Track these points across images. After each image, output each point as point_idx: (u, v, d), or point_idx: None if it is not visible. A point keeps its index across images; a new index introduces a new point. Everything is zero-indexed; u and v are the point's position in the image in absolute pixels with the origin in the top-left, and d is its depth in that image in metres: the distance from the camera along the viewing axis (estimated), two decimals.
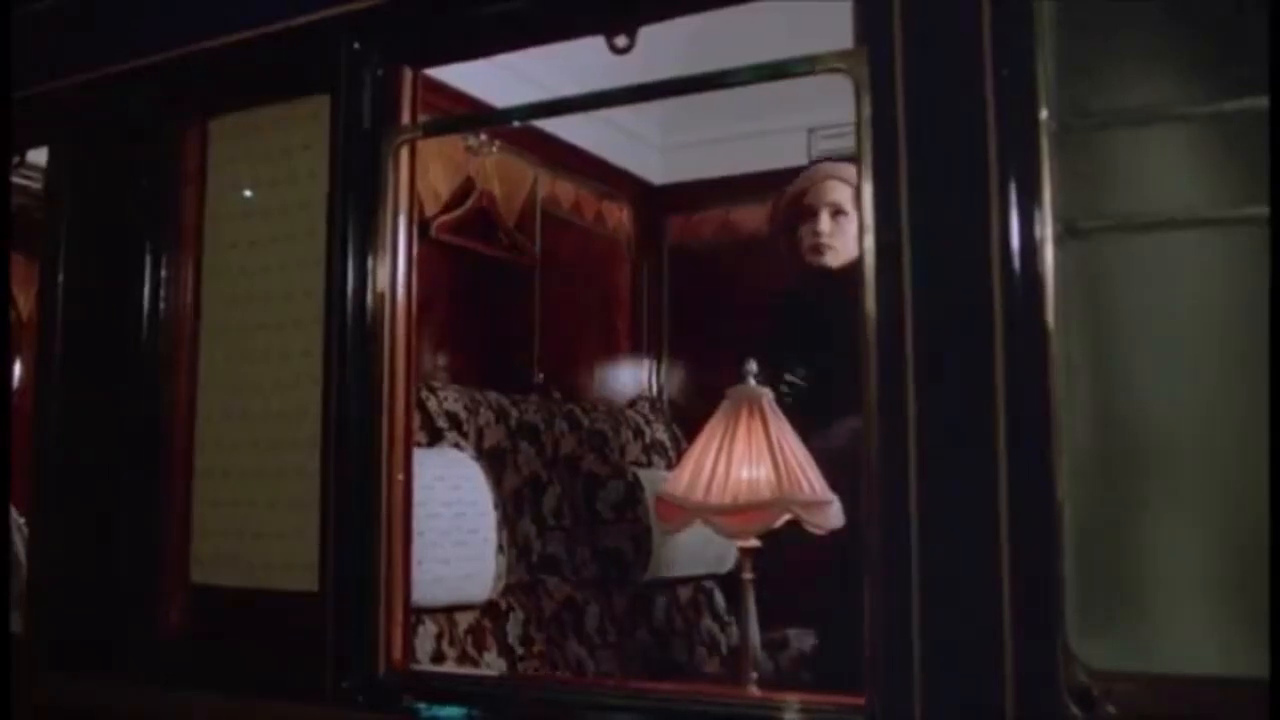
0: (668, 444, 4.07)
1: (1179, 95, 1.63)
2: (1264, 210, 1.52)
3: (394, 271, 2.20)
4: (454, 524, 3.00)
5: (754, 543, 2.54)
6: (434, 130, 2.20)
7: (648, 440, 4.00)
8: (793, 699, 1.84)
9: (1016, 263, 1.64)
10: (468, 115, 2.24)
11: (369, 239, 2.20)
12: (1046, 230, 1.63)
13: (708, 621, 3.90)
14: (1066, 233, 1.64)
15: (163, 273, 2.43)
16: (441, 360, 3.59)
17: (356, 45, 2.22)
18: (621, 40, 2.05)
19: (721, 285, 4.27)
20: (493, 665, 3.11)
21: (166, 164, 2.46)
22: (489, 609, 3.18)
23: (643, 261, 4.49)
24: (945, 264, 1.70)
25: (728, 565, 3.70)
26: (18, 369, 3.16)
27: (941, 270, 1.70)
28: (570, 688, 2.20)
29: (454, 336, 3.61)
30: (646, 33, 2.05)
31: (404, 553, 2.18)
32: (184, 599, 2.37)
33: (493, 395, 3.50)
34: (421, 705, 2.10)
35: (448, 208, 3.60)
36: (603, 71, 2.07)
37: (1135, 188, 1.64)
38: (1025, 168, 1.65)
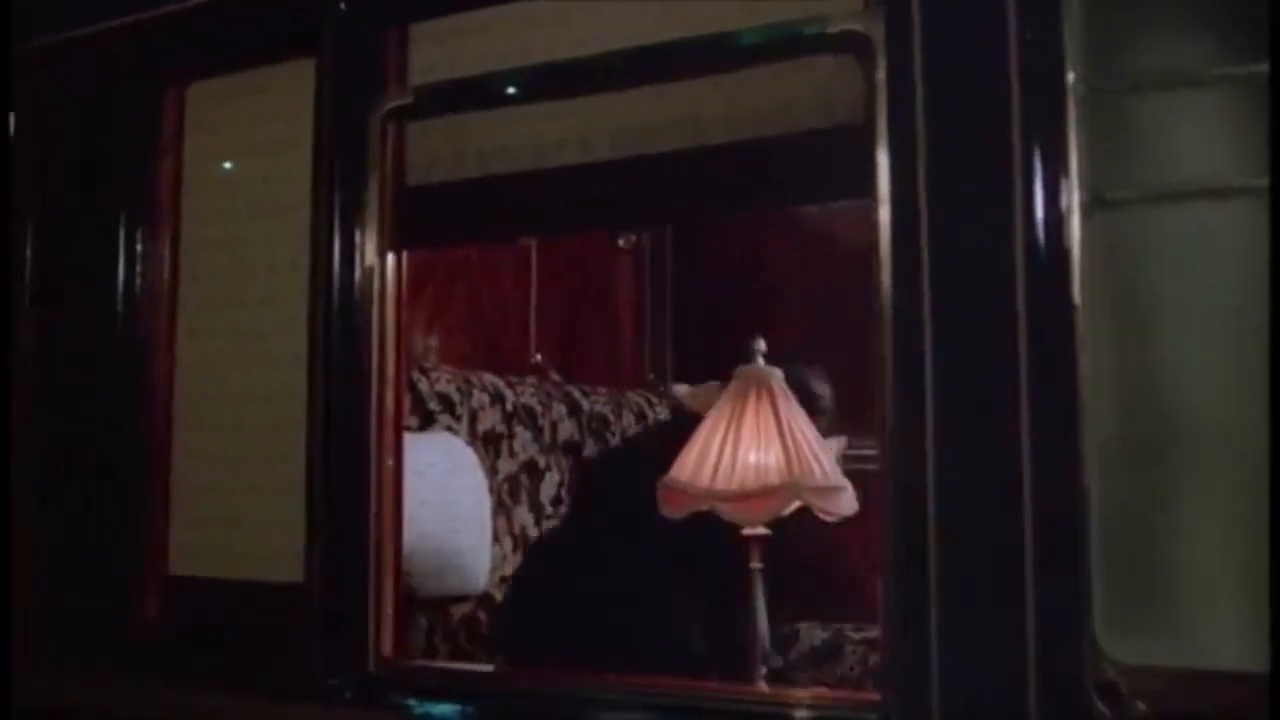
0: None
1: (1214, 57, 1.62)
2: None
3: (383, 245, 2.19)
4: (447, 512, 3.00)
5: (762, 530, 2.53)
6: (426, 101, 2.19)
7: (651, 424, 3.98)
8: (803, 695, 1.84)
9: (1041, 236, 1.63)
10: (463, 80, 2.20)
11: (357, 211, 2.19)
12: (1073, 201, 1.62)
13: None
14: (1094, 203, 1.63)
15: (138, 247, 2.43)
16: (433, 340, 3.58)
17: (343, 5, 2.21)
18: None
19: (730, 260, 4.24)
20: (488, 660, 3.11)
21: (141, 132, 2.45)
22: (484, 600, 3.18)
23: (645, 243, 4.46)
24: (965, 238, 1.69)
25: None
26: None
27: (961, 244, 1.69)
28: (571, 683, 2.19)
29: (446, 315, 3.61)
30: None
31: (394, 542, 2.18)
32: (162, 591, 2.37)
33: (487, 377, 3.49)
34: (413, 702, 2.10)
35: None
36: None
37: (1168, 155, 1.63)
38: (1050, 134, 1.63)
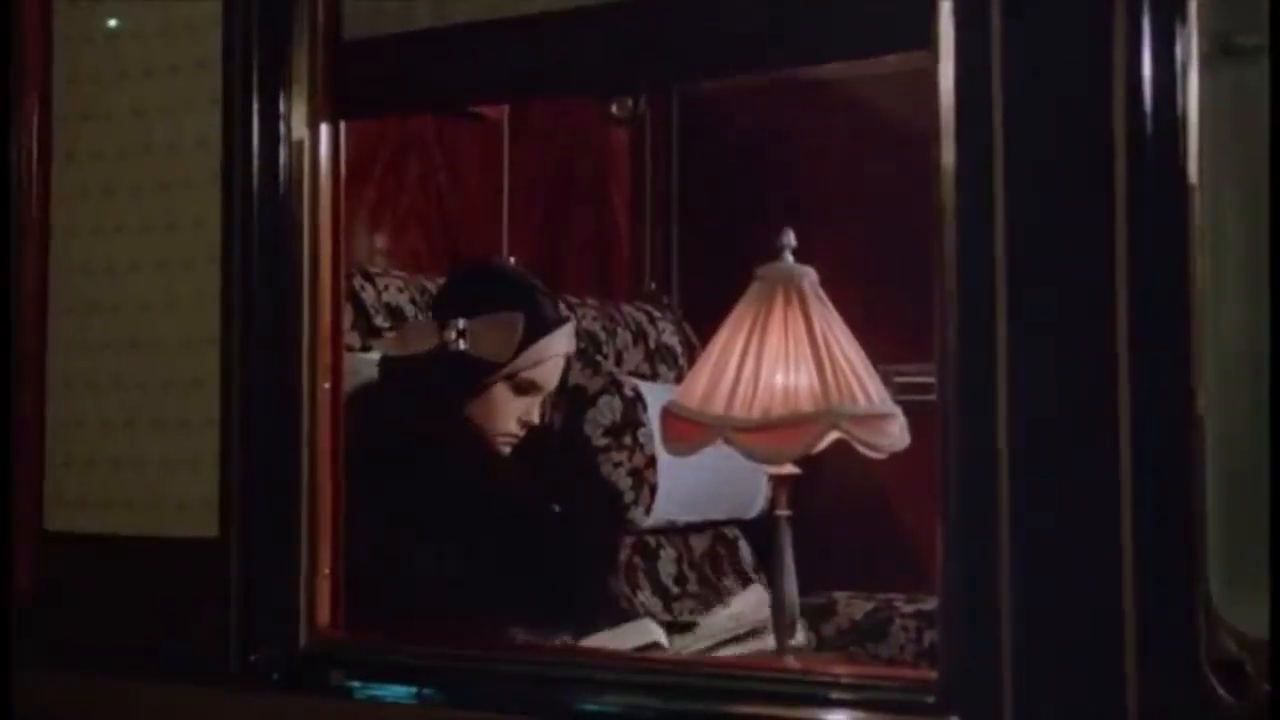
0: (678, 349, 4.08)
1: None
2: None
3: (314, 115, 2.18)
4: None
5: (791, 469, 2.52)
6: None
7: (651, 344, 4.00)
8: (842, 671, 1.83)
9: (1148, 94, 1.60)
10: None
11: (280, 71, 2.19)
12: (1191, 48, 1.59)
13: (729, 580, 3.91)
14: (1219, 51, 1.61)
15: None
16: (380, 240, 3.57)
17: None
18: None
19: (749, 141, 4.22)
20: None
21: None
22: None
23: (645, 111, 4.43)
24: (1050, 97, 1.66)
25: (758, 507, 3.70)
26: None
27: (1045, 106, 1.67)
28: (555, 659, 2.20)
29: (396, 206, 3.62)
30: None
31: (333, 484, 2.19)
32: (36, 552, 2.37)
33: None
34: (356, 684, 2.12)
35: None
36: None
37: None
38: None
